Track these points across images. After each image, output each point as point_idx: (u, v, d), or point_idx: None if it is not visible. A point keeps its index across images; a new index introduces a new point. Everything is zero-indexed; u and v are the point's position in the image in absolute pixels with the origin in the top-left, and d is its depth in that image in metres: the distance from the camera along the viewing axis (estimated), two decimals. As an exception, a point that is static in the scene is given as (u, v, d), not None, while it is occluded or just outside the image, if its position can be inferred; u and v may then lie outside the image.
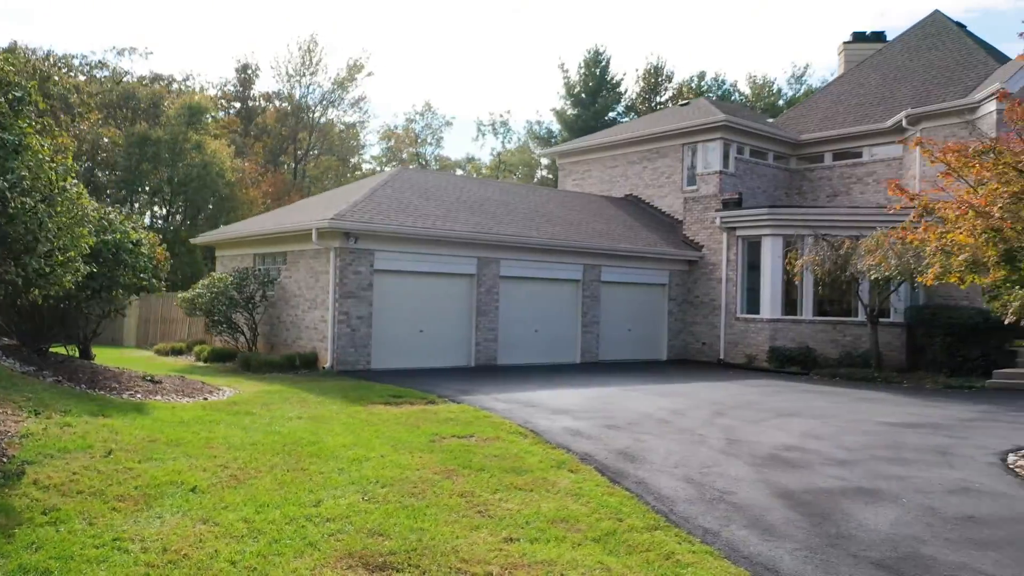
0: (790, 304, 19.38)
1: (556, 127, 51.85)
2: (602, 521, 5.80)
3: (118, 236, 9.77)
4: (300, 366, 15.35)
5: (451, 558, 4.84)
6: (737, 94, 53.37)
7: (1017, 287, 7.19)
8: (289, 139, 47.33)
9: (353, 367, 15.18)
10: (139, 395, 10.27)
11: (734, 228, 20.31)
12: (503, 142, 64.30)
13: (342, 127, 52.45)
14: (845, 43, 28.56)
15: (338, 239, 14.98)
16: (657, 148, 23.61)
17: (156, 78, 41.74)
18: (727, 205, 20.64)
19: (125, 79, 38.54)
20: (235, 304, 16.37)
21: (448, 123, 66.59)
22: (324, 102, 49.53)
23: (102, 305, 10.00)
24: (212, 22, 67.77)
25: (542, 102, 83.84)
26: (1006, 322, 8.18)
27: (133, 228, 10.53)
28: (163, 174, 33.28)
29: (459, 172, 58.54)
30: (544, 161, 51.39)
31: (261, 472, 6.66)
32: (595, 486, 6.87)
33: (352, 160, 55.71)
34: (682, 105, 28.45)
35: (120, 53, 45.86)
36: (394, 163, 55.06)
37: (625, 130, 26.13)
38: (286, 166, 48.54)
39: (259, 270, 17.54)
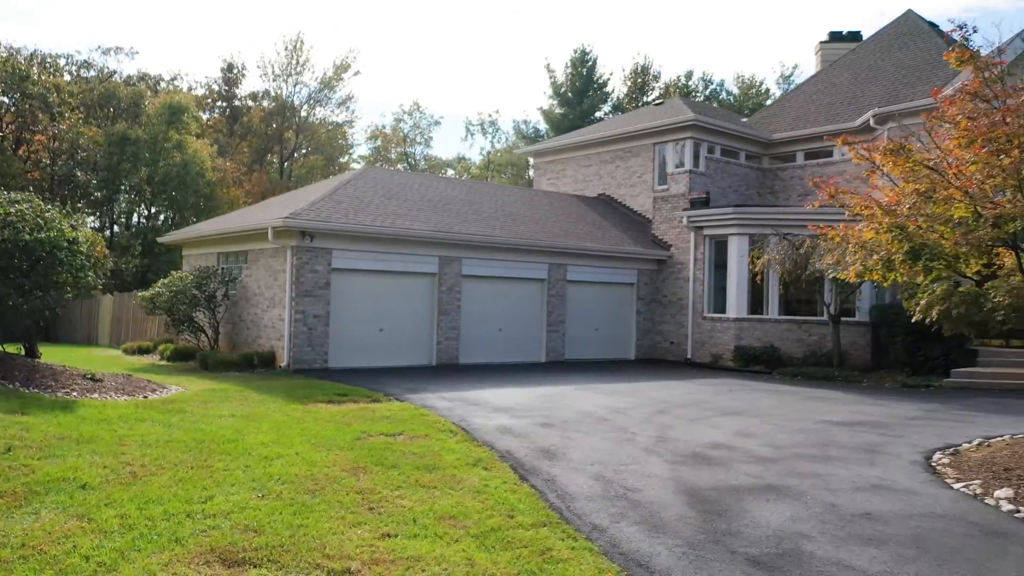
0: (756, 303, 19.38)
1: (544, 127, 51.91)
2: (492, 518, 5.78)
3: (53, 234, 9.75)
4: (258, 365, 15.34)
5: (315, 554, 4.82)
6: (725, 93, 53.42)
7: (932, 286, 7.15)
8: (274, 138, 47.28)
9: (310, 366, 15.17)
10: (75, 393, 10.24)
11: (701, 227, 20.31)
12: (492, 142, 64.42)
13: (329, 126, 52.42)
14: (822, 43, 28.57)
15: (294, 238, 14.96)
16: (629, 147, 23.61)
17: (143, 77, 41.79)
18: (694, 204, 20.65)
19: (111, 79, 38.56)
20: (195, 303, 16.35)
21: (437, 122, 66.48)
22: (311, 101, 49.58)
23: (34, 303, 9.95)
24: (199, 22, 67.76)
25: (531, 102, 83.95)
26: (913, 320, 8.14)
27: (72, 227, 10.50)
28: (143, 174, 33.29)
29: (450, 172, 58.61)
30: (531, 160, 51.39)
31: (163, 469, 6.65)
32: (502, 483, 6.85)
33: (341, 160, 55.70)
34: (656, 104, 28.50)
35: (106, 52, 45.86)
36: (380, 163, 55.03)
37: (598, 129, 26.13)
38: (273, 165, 48.56)
39: (221, 269, 17.54)
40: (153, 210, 36.60)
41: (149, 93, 37.34)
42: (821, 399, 13.59)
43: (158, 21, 65.38)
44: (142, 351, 19.51)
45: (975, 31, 7.95)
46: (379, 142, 58.67)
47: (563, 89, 50.77)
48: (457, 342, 17.32)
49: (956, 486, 7.33)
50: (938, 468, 8.05)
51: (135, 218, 37.98)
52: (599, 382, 15.05)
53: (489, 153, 57.92)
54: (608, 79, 50.90)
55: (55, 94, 32.33)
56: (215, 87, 47.66)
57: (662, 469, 7.61)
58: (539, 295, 18.98)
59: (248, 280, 16.79)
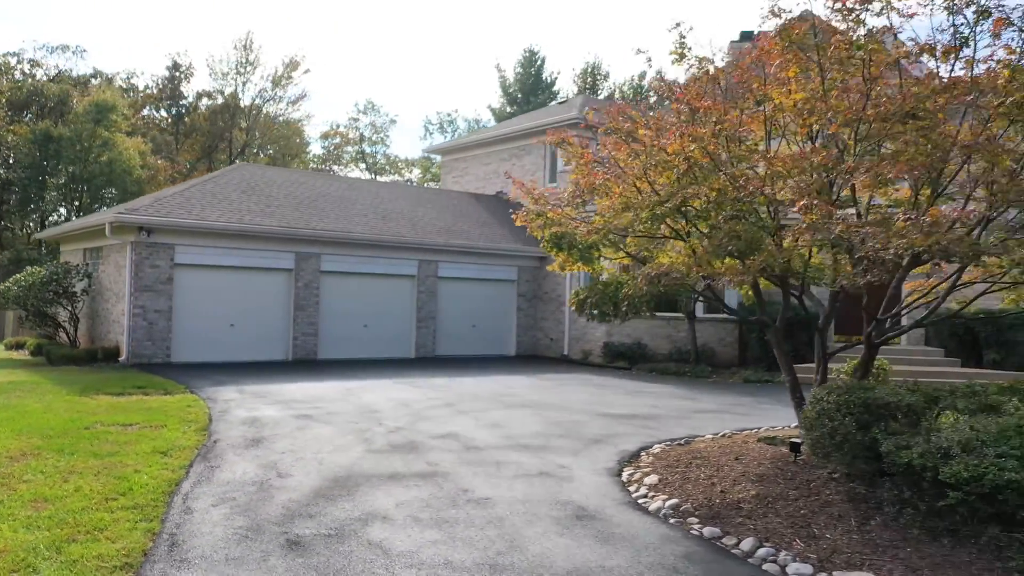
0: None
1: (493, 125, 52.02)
2: (92, 500, 5.93)
3: None
4: (102, 359, 15.45)
5: None
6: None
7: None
8: (219, 136, 47.25)
9: (150, 360, 15.28)
10: None
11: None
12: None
13: (279, 122, 52.43)
14: (732, 42, 28.68)
15: (133, 234, 15.07)
16: (523, 145, 23.77)
17: (82, 79, 41.79)
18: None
19: (43, 77, 38.63)
20: (47, 298, 16.45)
21: (392, 121, 66.52)
22: (259, 99, 49.62)
23: None
24: (147, 22, 67.63)
25: (485, 100, 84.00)
26: (572, 308, 8.26)
27: None
28: (69, 172, 33.33)
29: (416, 172, 58.76)
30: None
31: None
32: (161, 470, 6.97)
33: (295, 160, 55.72)
34: (560, 103, 28.64)
35: (52, 51, 45.92)
36: (330, 164, 55.11)
37: (499, 128, 26.28)
38: (222, 163, 48.60)
39: (82, 264, 17.64)
40: (77, 208, 36.61)
41: (76, 92, 37.27)
42: (639, 392, 13.77)
43: (108, 21, 65.33)
44: (18, 346, 19.59)
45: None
46: (336, 140, 58.82)
47: (512, 89, 51.02)
48: (315, 338, 17.44)
49: (624, 472, 7.53)
50: (642, 459, 8.22)
51: (65, 216, 38.04)
52: (433, 377, 15.17)
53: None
54: (556, 78, 51.12)
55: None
56: (160, 85, 47.65)
57: (346, 459, 7.73)
58: (409, 292, 19.11)
59: (103, 276, 16.89)
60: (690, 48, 7.93)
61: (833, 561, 5.08)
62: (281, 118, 52.27)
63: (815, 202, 5.04)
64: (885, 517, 5.62)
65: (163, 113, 48.11)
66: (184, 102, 47.93)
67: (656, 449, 8.60)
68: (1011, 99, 5.34)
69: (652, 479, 7.13)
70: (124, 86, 47.57)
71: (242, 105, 47.94)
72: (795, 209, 5.38)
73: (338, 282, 17.89)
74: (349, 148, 58.47)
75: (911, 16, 5.64)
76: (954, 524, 5.20)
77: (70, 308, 16.96)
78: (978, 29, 5.72)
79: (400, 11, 73.80)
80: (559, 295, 20.85)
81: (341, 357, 17.79)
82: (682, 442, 9.07)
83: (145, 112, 45.12)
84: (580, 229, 7.00)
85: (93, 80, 44.05)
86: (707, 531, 5.73)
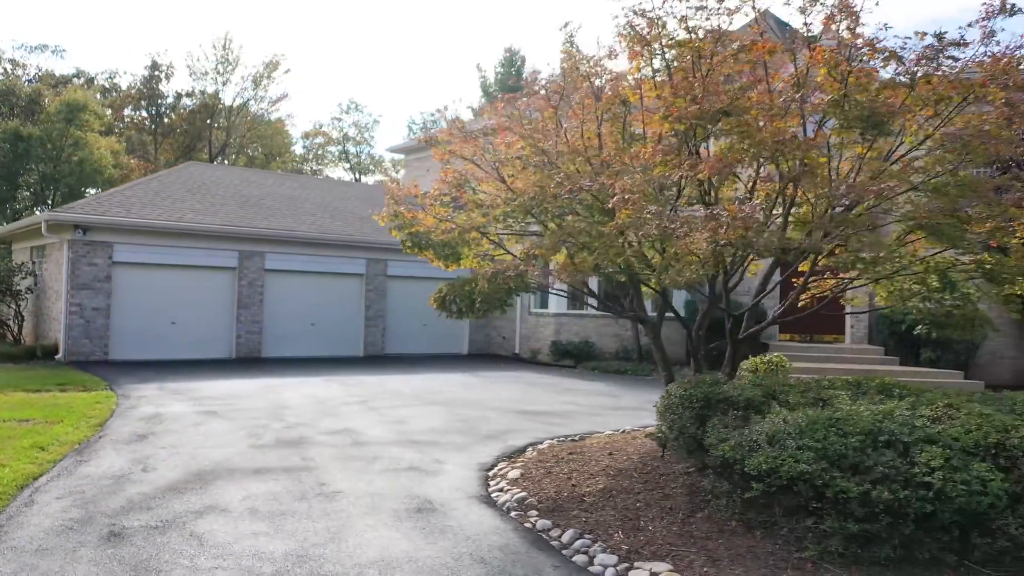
0: (578, 299, 19.58)
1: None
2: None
3: None
4: (40, 356, 15.50)
5: None
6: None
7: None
8: (196, 136, 47.27)
9: (87, 358, 15.32)
10: None
11: (529, 224, 20.53)
12: (435, 141, 64.41)
13: (264, 124, 52.48)
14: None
15: (69, 232, 15.10)
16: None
17: (63, 79, 41.85)
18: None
19: (26, 77, 38.69)
20: (-12, 296, 16.50)
21: (376, 121, 66.61)
22: (239, 98, 49.65)
23: None
24: (126, 21, 67.62)
25: (470, 101, 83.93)
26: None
27: None
28: (39, 171, 33.34)
29: (403, 172, 58.74)
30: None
31: None
32: (28, 464, 7.01)
33: (278, 158, 55.76)
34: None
35: (31, 51, 46.02)
36: (311, 164, 55.13)
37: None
38: (205, 163, 48.61)
39: (27, 263, 17.68)
40: (50, 208, 36.64)
41: (49, 91, 37.29)
42: (569, 390, 13.83)
43: (86, 20, 65.31)
44: (-30, 345, 19.63)
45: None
46: (319, 140, 58.84)
47: (492, 89, 51.06)
48: (260, 336, 17.48)
49: (497, 468, 7.59)
50: (525, 455, 8.28)
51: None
52: (369, 375, 15.22)
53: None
54: (536, 78, 51.03)
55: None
56: (139, 85, 47.67)
57: (223, 454, 7.77)
58: (357, 290, 19.16)
59: (46, 274, 16.94)
60: (577, 48, 8.03)
61: (641, 552, 5.14)
62: (263, 118, 52.36)
63: (627, 198, 5.10)
64: (711, 510, 5.69)
65: (143, 113, 48.15)
66: (163, 102, 48.01)
67: (544, 445, 8.66)
68: (829, 97, 5.41)
69: (515, 474, 7.19)
70: (107, 86, 47.78)
71: (222, 105, 48.01)
72: (608, 206, 5.45)
73: (284, 280, 17.93)
74: (332, 148, 58.54)
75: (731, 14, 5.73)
76: (771, 516, 5.27)
77: (15, 306, 17.00)
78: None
79: (385, 11, 73.86)
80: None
81: (287, 356, 17.83)
82: (576, 438, 9.13)
83: (128, 112, 45.10)
84: (436, 229, 7.07)
85: (76, 80, 44.29)
86: (540, 523, 5.79)
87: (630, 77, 6.67)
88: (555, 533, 5.60)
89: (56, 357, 15.37)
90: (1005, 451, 4.97)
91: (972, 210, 5.31)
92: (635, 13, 6.43)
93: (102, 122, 37.29)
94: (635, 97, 6.48)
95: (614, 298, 18.72)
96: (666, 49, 5.87)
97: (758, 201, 5.55)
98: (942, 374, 15.50)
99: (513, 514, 6.07)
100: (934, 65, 5.68)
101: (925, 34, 5.66)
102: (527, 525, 5.81)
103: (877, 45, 5.52)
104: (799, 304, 8.64)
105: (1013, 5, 6.13)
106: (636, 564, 4.97)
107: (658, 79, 6.06)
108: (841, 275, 7.56)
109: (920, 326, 6.88)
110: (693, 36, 5.83)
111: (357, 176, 58.05)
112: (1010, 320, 16.92)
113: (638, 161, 5.90)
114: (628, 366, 17.27)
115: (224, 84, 48.52)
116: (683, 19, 5.91)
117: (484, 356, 20.88)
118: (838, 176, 5.70)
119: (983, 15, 6.00)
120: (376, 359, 18.77)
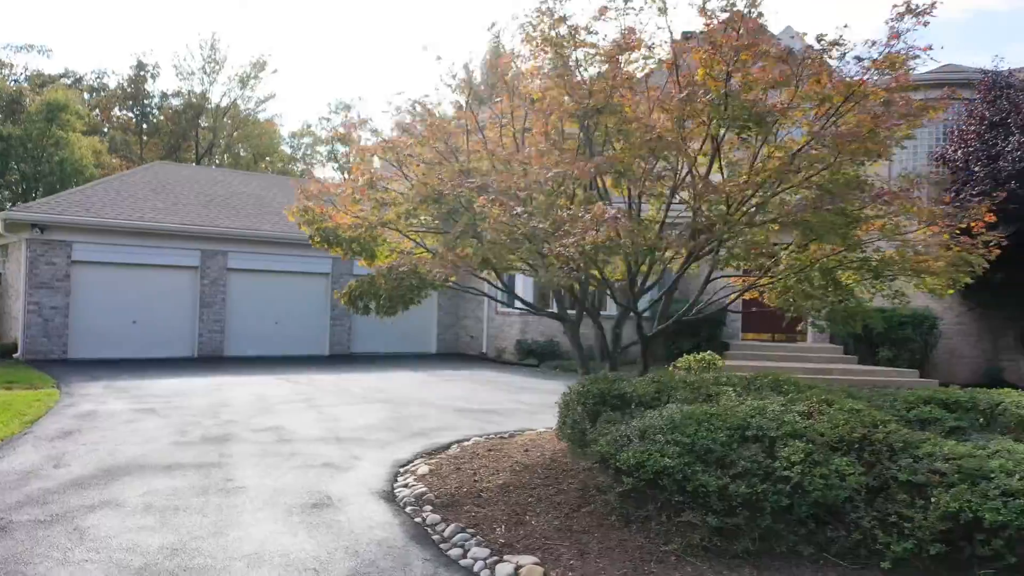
0: (545, 298, 19.64)
1: (460, 126, 52.12)
2: None
3: None
4: (0, 355, 15.54)
5: None
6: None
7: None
8: (181, 135, 47.28)
9: (46, 356, 15.36)
10: None
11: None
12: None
13: (252, 123, 52.50)
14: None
15: (27, 231, 15.15)
16: (454, 145, 23.86)
17: (50, 79, 41.89)
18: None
19: (13, 78, 38.74)
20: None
21: (365, 121, 66.40)
22: (226, 98, 49.69)
23: None
24: (114, 21, 67.61)
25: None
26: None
27: None
28: (19, 171, 33.39)
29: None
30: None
31: None
32: (-59, 460, 7.09)
33: (267, 158, 55.78)
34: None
35: (17, 50, 46.07)
36: (299, 164, 55.17)
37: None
38: (189, 161, 48.64)
39: (-8, 262, 17.74)
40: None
41: (31, 91, 37.31)
42: (521, 389, 13.92)
43: (75, 20, 65.27)
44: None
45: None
46: (308, 140, 58.87)
47: (478, 88, 51.18)
48: (222, 335, 17.53)
49: (411, 464, 7.65)
50: (449, 452, 8.34)
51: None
52: (326, 373, 15.28)
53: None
54: (522, 79, 51.17)
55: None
56: (124, 84, 47.71)
57: (142, 450, 7.82)
58: (323, 289, 19.21)
59: (8, 273, 16.98)
60: (503, 49, 8.06)
61: (514, 546, 5.20)
62: (251, 118, 52.37)
63: (492, 199, 5.17)
64: (596, 505, 5.75)
65: (128, 113, 48.18)
66: (149, 102, 48.04)
67: (469, 442, 8.72)
68: (709, 96, 5.47)
69: (425, 470, 7.25)
70: (96, 86, 47.87)
71: (210, 105, 48.03)
72: (477, 205, 5.51)
73: (247, 279, 17.98)
74: (321, 148, 58.55)
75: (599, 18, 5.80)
76: (647, 511, 5.33)
77: (-22, 305, 17.06)
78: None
79: (373, 12, 73.90)
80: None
81: (250, 355, 17.88)
82: (506, 436, 9.20)
83: (117, 112, 45.20)
84: (343, 224, 7.14)
85: (65, 80, 44.45)
86: (430, 518, 5.85)
87: (536, 80, 6.74)
88: (441, 527, 5.66)
89: (15, 356, 15.41)
90: (870, 445, 5.06)
91: (844, 207, 5.37)
92: (539, 13, 6.52)
93: (84, 122, 37.34)
94: (538, 95, 6.55)
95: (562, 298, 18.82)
96: (552, 49, 5.93)
97: (622, 201, 5.61)
98: (897, 372, 15.60)
99: (408, 509, 6.13)
100: (817, 66, 5.75)
101: (805, 34, 5.73)
102: (417, 520, 5.87)
103: (760, 47, 5.59)
104: (729, 304, 8.74)
105: (918, 6, 6.23)
106: (506, 557, 5.03)
107: (546, 81, 6.12)
108: (746, 278, 7.68)
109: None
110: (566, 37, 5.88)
111: (344, 175, 58.00)
112: (971, 320, 17.02)
113: (535, 161, 5.96)
114: (591, 365, 17.30)
115: (211, 84, 48.61)
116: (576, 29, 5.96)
117: (452, 355, 20.95)
118: (723, 176, 5.77)
119: (894, 16, 6.10)
120: (341, 358, 18.82)
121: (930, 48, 6.30)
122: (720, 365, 10.87)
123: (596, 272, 6.49)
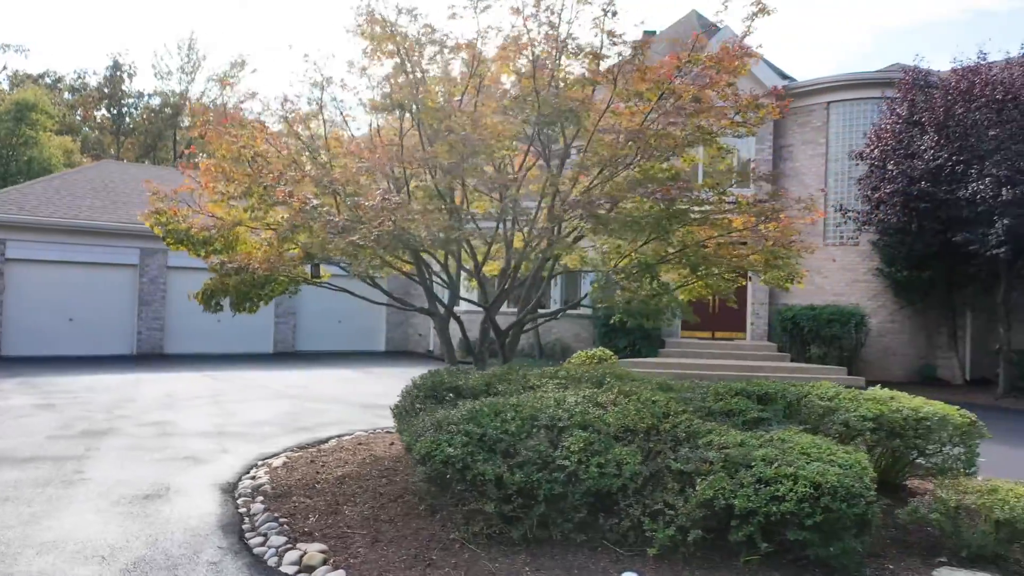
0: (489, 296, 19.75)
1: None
2: None
3: None
4: (-66, 353, 15.63)
5: None
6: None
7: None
8: (159, 136, 47.37)
9: (-22, 354, 15.46)
10: None
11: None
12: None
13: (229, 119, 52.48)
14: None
15: (-42, 228, 15.25)
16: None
17: (31, 78, 42.01)
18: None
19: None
20: None
21: (349, 119, 66.55)
22: (205, 98, 49.75)
23: None
24: (91, 20, 67.64)
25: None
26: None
27: None
28: (-13, 169, 33.47)
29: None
30: None
31: None
32: None
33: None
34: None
35: (-5, 49, 46.01)
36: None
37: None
38: (167, 162, 48.73)
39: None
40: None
41: (1, 90, 37.37)
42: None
43: (58, 20, 65.29)
44: None
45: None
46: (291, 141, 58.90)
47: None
48: (162, 333, 17.63)
49: (271, 458, 7.75)
50: (325, 446, 8.45)
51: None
52: (253, 371, 15.40)
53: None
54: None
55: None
56: (99, 84, 47.77)
57: (14, 443, 7.95)
58: (267, 287, 19.28)
59: (-53, 271, 17.06)
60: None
61: (314, 534, 5.31)
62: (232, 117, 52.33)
63: (289, 191, 5.28)
64: (410, 496, 5.86)
65: (104, 112, 48.26)
66: (126, 101, 48.13)
67: (350, 437, 8.83)
68: (515, 94, 5.59)
69: (279, 463, 7.36)
70: (76, 86, 47.96)
71: (189, 104, 48.09)
72: (277, 196, 5.63)
73: (189, 277, 18.03)
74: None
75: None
76: (447, 500, 5.44)
77: (-82, 303, 17.13)
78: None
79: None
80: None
81: (190, 352, 17.97)
82: (390, 430, 9.31)
83: (98, 112, 45.33)
84: (195, 225, 7.24)
85: (45, 79, 44.66)
86: (255, 508, 5.95)
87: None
88: (257, 517, 5.76)
89: (-54, 353, 15.52)
90: (657, 435, 5.17)
91: (632, 203, 5.48)
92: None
93: (55, 121, 37.40)
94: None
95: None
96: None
97: (398, 196, 5.72)
98: (826, 370, 15.72)
99: (241, 500, 6.23)
100: (637, 62, 5.86)
101: (624, 34, 5.84)
102: (242, 511, 5.97)
103: (569, 46, 5.69)
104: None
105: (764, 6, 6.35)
106: (298, 545, 5.13)
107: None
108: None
109: (615, 316, 7.17)
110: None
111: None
112: (904, 318, 17.15)
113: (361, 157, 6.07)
114: (528, 362, 17.43)
115: (190, 83, 48.71)
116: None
117: (400, 353, 21.05)
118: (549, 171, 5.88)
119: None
120: (284, 356, 18.93)
121: (761, 46, 6.45)
122: (612, 362, 10.97)
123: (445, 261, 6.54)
